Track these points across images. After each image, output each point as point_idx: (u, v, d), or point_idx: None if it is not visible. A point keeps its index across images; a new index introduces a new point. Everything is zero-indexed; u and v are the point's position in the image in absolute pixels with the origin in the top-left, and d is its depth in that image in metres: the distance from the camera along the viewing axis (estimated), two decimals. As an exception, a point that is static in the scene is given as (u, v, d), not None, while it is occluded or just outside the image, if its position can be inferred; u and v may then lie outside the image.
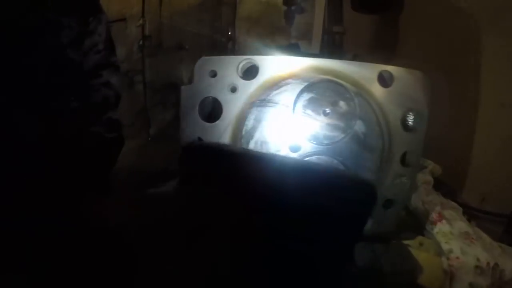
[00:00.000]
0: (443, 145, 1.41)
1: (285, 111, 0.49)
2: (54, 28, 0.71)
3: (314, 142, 0.49)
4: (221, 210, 0.33)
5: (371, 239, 0.61)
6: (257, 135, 0.51)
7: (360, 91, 0.49)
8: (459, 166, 1.39)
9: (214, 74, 0.52)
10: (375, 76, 0.49)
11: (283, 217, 0.31)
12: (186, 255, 0.38)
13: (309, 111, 0.48)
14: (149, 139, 2.90)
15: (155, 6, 2.80)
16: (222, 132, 0.53)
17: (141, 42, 2.76)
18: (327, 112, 0.48)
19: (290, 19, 1.67)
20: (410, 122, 0.54)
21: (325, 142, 0.49)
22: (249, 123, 0.51)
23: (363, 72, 0.49)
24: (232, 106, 0.51)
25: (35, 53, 0.69)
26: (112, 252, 0.72)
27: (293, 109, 0.48)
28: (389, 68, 0.50)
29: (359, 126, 0.49)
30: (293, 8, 1.64)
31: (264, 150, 0.51)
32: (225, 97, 0.52)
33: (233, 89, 0.51)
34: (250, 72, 0.52)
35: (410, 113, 0.54)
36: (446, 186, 1.28)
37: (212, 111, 0.55)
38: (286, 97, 0.49)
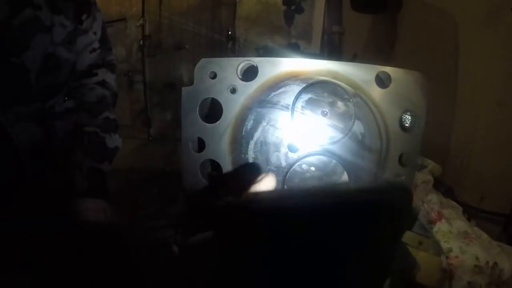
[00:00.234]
0: (442, 144, 1.42)
1: (284, 112, 0.49)
2: (45, 26, 0.70)
3: (313, 143, 0.49)
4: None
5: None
6: (257, 136, 0.51)
7: (358, 92, 0.49)
8: (459, 166, 1.40)
9: (214, 76, 0.53)
10: (372, 77, 0.50)
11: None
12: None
13: (307, 112, 0.49)
14: (149, 138, 2.91)
15: (154, 6, 2.82)
16: (222, 133, 0.54)
17: (141, 42, 2.76)
18: (326, 112, 0.49)
19: (290, 19, 1.68)
20: (407, 123, 0.55)
21: (324, 142, 0.49)
22: (249, 123, 0.51)
23: (361, 73, 0.49)
24: (232, 107, 0.52)
25: (27, 52, 0.68)
26: (108, 253, 0.73)
27: (292, 110, 0.49)
28: (387, 69, 0.51)
29: (357, 127, 0.50)
30: (292, 8, 1.65)
31: (263, 151, 0.51)
32: (225, 98, 0.52)
33: (233, 90, 0.51)
34: (250, 74, 0.52)
35: (408, 113, 0.54)
36: (446, 185, 1.29)
37: (212, 112, 0.56)
38: (285, 98, 0.49)
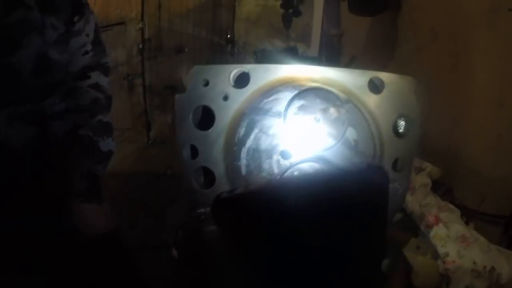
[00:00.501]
0: (442, 146, 1.41)
1: (277, 118, 0.49)
2: (37, 27, 0.70)
3: (306, 149, 0.49)
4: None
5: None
6: (249, 143, 0.51)
7: (350, 98, 0.49)
8: (458, 168, 1.39)
9: (206, 83, 0.53)
10: (365, 82, 0.50)
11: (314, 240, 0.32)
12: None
13: (300, 119, 0.49)
14: (149, 142, 2.92)
15: (154, 9, 2.84)
16: (215, 140, 0.54)
17: (140, 45, 2.78)
18: (318, 119, 0.49)
19: (288, 22, 1.68)
20: (402, 128, 0.54)
21: (317, 149, 0.49)
22: (241, 130, 0.51)
23: (354, 79, 0.49)
24: (225, 114, 0.52)
25: (18, 53, 0.68)
26: (105, 257, 0.72)
27: (284, 116, 0.49)
28: (380, 74, 0.51)
29: (350, 133, 0.50)
30: (290, 11, 1.65)
31: (256, 158, 0.51)
32: (217, 106, 0.52)
33: (225, 98, 0.51)
34: (243, 80, 0.52)
35: (402, 119, 0.54)
36: (445, 188, 1.28)
37: (204, 119, 0.56)
38: (277, 104, 0.49)
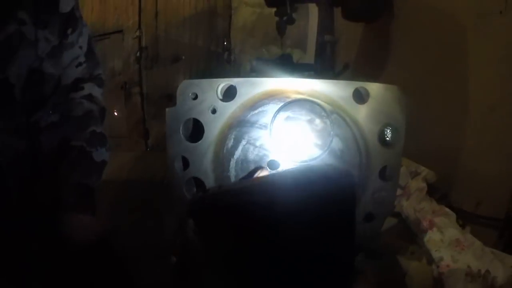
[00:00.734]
0: (437, 150, 1.42)
1: (263, 130, 0.50)
2: (30, 41, 0.71)
3: (292, 160, 0.50)
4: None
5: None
6: (237, 154, 0.52)
7: (336, 108, 0.50)
8: (454, 171, 1.39)
9: (195, 97, 0.54)
10: (350, 93, 0.51)
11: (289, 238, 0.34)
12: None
13: (286, 130, 0.50)
14: (147, 150, 2.91)
15: (151, 18, 2.85)
16: (205, 152, 0.55)
17: (138, 54, 2.79)
18: (304, 130, 0.50)
19: (282, 29, 1.70)
20: (387, 137, 0.55)
21: (303, 159, 0.50)
22: (229, 142, 0.52)
23: (338, 90, 0.50)
24: (213, 127, 0.53)
25: (11, 67, 0.69)
26: (98, 268, 0.73)
27: (270, 128, 0.50)
28: (365, 84, 0.52)
29: (336, 143, 0.51)
30: (284, 18, 1.66)
31: (244, 169, 0.52)
32: (206, 119, 0.53)
33: (213, 111, 0.53)
34: (230, 93, 0.53)
35: (388, 128, 0.55)
36: (441, 192, 1.28)
37: (194, 131, 0.57)
38: (263, 117, 0.50)
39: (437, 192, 1.25)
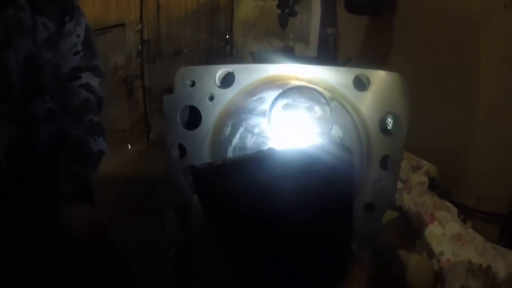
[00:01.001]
0: (439, 146, 1.41)
1: (261, 117, 0.49)
2: (27, 27, 0.70)
3: (291, 147, 0.49)
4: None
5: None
6: (235, 142, 0.51)
7: (335, 95, 0.49)
8: (456, 166, 1.38)
9: (193, 84, 0.53)
10: (350, 80, 0.50)
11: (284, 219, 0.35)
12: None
13: (284, 117, 0.49)
14: (150, 144, 2.92)
15: (153, 12, 2.85)
16: (202, 139, 0.54)
17: (139, 48, 2.79)
18: (303, 117, 0.49)
19: (284, 22, 1.68)
20: (389, 126, 0.54)
21: (299, 146, 0.49)
22: (227, 129, 0.51)
23: (338, 77, 0.49)
24: (211, 114, 0.52)
25: (8, 51, 0.69)
26: (95, 259, 0.72)
27: (269, 115, 0.49)
28: (365, 71, 0.51)
29: (335, 131, 0.50)
30: (286, 11, 1.65)
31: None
32: (203, 106, 0.52)
33: (211, 98, 0.52)
34: (229, 80, 0.52)
35: (389, 116, 0.54)
36: (442, 186, 1.27)
37: (193, 118, 0.56)
38: (261, 103, 0.49)
39: (438, 187, 1.24)
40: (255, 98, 0.49)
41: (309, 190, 0.35)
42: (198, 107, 0.53)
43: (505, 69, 1.20)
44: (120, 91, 2.71)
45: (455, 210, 1.02)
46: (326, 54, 1.52)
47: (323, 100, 0.49)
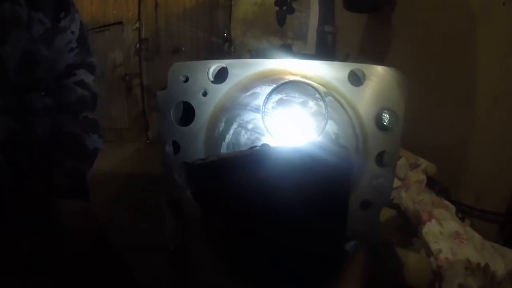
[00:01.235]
0: (437, 143, 1.40)
1: (255, 113, 0.49)
2: (24, 22, 0.71)
3: (285, 143, 0.48)
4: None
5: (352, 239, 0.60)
6: (228, 138, 0.50)
7: (330, 90, 0.48)
8: (455, 163, 1.38)
9: (186, 79, 0.52)
10: (345, 75, 0.49)
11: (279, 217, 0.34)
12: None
13: (278, 113, 0.48)
14: (148, 142, 2.92)
15: (151, 9, 2.84)
16: (196, 136, 0.53)
17: (138, 45, 2.78)
18: (297, 113, 0.48)
19: (282, 19, 1.67)
20: (385, 121, 0.53)
21: (296, 143, 0.48)
22: (221, 125, 0.51)
23: (333, 72, 0.48)
24: (204, 110, 0.51)
25: (4, 46, 0.69)
26: (91, 255, 0.72)
27: (262, 111, 0.48)
28: (361, 66, 0.50)
29: (330, 127, 0.49)
30: (284, 8, 1.64)
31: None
32: (197, 101, 0.52)
33: (204, 93, 0.51)
34: (223, 76, 0.52)
35: (385, 112, 0.53)
36: (440, 184, 1.26)
37: (186, 114, 0.55)
38: (255, 99, 0.49)
39: (436, 185, 1.24)
40: (248, 93, 0.49)
41: (306, 188, 0.34)
42: (191, 102, 0.52)
43: (504, 66, 1.20)
44: (118, 89, 2.69)
45: (453, 208, 1.01)
46: (325, 51, 1.51)
47: (317, 95, 0.48)
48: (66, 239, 0.70)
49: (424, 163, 1.18)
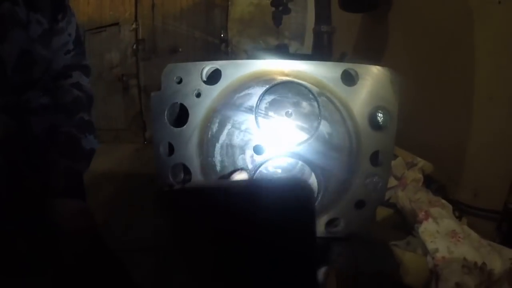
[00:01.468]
0: (434, 141, 1.40)
1: (248, 114, 0.48)
2: (22, 22, 0.71)
3: (279, 144, 0.48)
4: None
5: (349, 239, 0.60)
6: (222, 139, 0.50)
7: (323, 91, 0.48)
8: (452, 161, 1.38)
9: (179, 80, 0.52)
10: (338, 75, 0.49)
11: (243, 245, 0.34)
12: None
13: (271, 113, 0.48)
14: (145, 142, 2.92)
15: (147, 10, 2.84)
16: (189, 137, 0.53)
17: (134, 46, 2.78)
18: (290, 113, 0.48)
19: (278, 20, 1.67)
20: (379, 121, 0.53)
21: (290, 144, 0.48)
22: (214, 126, 0.51)
23: (326, 72, 0.48)
24: (197, 111, 0.51)
25: (3, 45, 0.69)
26: (88, 256, 0.72)
27: (255, 111, 0.48)
28: (354, 66, 0.50)
29: (324, 126, 0.49)
30: (280, 8, 1.64)
31: (229, 154, 0.50)
32: (190, 103, 0.52)
33: (198, 94, 0.51)
34: (216, 77, 0.51)
35: (379, 111, 0.53)
36: (437, 183, 1.26)
37: (180, 115, 0.55)
38: (249, 100, 0.48)
39: (433, 183, 1.24)
40: (242, 94, 0.49)
41: (266, 226, 0.33)
42: (185, 104, 0.52)
43: (500, 63, 1.20)
44: (115, 89, 2.69)
45: (450, 207, 1.01)
46: (321, 51, 1.51)
47: (310, 95, 0.48)
48: (62, 239, 0.70)
49: (420, 162, 1.18)
